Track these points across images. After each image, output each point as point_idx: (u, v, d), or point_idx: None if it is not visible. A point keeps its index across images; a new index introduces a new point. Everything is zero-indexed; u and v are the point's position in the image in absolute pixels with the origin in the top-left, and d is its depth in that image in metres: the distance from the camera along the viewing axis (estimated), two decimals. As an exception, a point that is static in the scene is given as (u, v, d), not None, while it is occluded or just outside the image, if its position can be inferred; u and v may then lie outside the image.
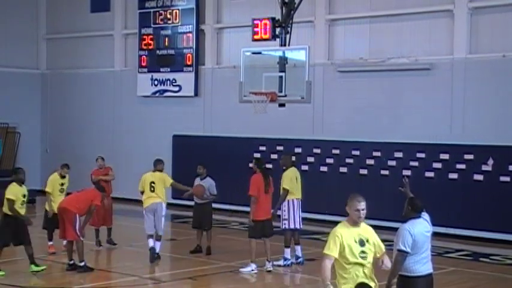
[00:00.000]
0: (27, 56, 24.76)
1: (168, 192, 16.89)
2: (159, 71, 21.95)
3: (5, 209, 12.27)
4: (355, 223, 7.06)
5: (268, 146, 19.71)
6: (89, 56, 24.05)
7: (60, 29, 24.73)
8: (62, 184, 14.03)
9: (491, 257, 14.70)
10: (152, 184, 13.68)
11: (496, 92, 16.66)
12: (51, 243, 13.96)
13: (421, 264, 7.77)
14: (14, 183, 12.51)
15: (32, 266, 12.36)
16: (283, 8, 15.36)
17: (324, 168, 18.81)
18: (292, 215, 13.30)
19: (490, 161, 16.36)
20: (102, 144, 22.85)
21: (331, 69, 18.96)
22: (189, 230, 15.43)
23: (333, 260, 6.80)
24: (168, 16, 21.75)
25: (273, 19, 15.19)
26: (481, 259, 14.53)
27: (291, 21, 15.33)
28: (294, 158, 15.07)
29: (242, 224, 17.77)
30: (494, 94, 16.68)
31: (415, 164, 17.38)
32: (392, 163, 17.72)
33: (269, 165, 18.79)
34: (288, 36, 15.25)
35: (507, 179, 16.14)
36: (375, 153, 18.02)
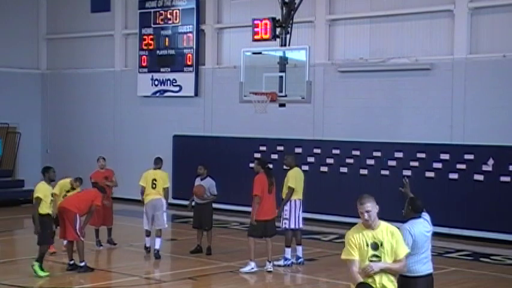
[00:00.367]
0: (28, 56, 24.76)
1: (170, 193, 16.90)
2: (160, 71, 21.95)
3: (44, 209, 12.15)
4: (367, 226, 6.77)
5: (268, 146, 19.71)
6: (89, 56, 24.05)
7: (60, 29, 24.73)
8: (68, 191, 13.98)
9: (491, 257, 14.69)
10: (154, 181, 14.21)
11: (497, 92, 16.66)
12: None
13: (422, 264, 7.77)
14: (43, 182, 12.37)
15: (36, 267, 12.25)
16: (284, 8, 15.36)
17: (324, 168, 18.81)
18: (293, 215, 13.31)
19: (491, 161, 16.36)
20: (102, 144, 22.85)
21: (332, 70, 18.96)
22: (190, 230, 15.43)
23: (357, 263, 6.55)
24: (169, 16, 21.75)
25: (273, 19, 15.19)
26: (482, 259, 14.52)
27: (291, 22, 15.33)
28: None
29: (242, 224, 17.76)
30: (494, 94, 16.68)
31: (416, 164, 17.38)
32: (393, 163, 17.72)
33: (269, 165, 18.85)
34: (288, 36, 15.25)
35: (507, 179, 16.13)
36: (375, 153, 18.02)
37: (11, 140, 23.79)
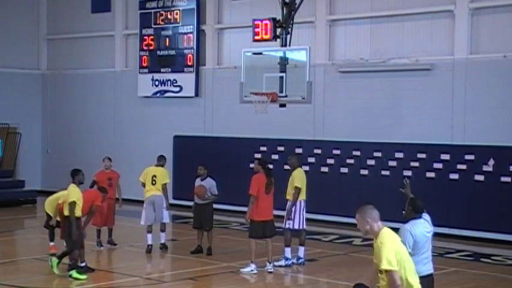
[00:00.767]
0: (28, 56, 24.76)
1: (170, 193, 16.90)
2: (160, 72, 21.95)
3: (68, 212, 12.06)
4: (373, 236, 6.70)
5: (269, 146, 19.71)
6: (89, 57, 24.06)
7: (61, 29, 24.74)
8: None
9: (492, 258, 14.69)
10: (154, 178, 14.57)
11: (497, 92, 16.66)
12: (52, 243, 13.93)
13: (422, 265, 7.77)
14: (74, 185, 12.21)
15: (74, 272, 12.19)
16: (284, 9, 15.36)
17: (324, 169, 18.81)
18: (298, 216, 13.31)
19: (491, 162, 16.36)
20: (103, 144, 22.85)
21: (332, 70, 18.96)
22: (190, 230, 15.43)
23: (398, 271, 6.42)
24: (169, 16, 21.76)
25: (273, 19, 15.19)
26: (482, 259, 14.52)
27: (291, 22, 15.33)
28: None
29: (243, 225, 17.75)
30: (495, 94, 16.68)
31: (416, 164, 17.38)
32: (393, 163, 17.72)
33: (270, 166, 18.83)
34: (288, 36, 15.25)
35: (508, 179, 16.14)
36: (376, 154, 18.02)
37: (11, 141, 23.80)
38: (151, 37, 22.12)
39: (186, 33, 21.47)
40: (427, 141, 17.29)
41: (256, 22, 15.34)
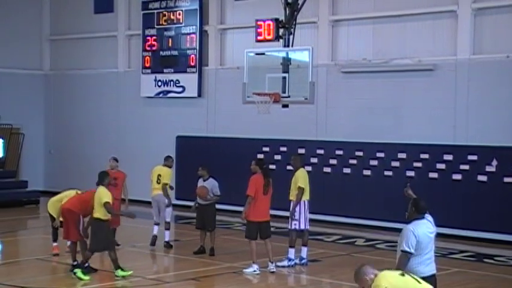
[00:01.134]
0: (31, 57, 24.79)
1: (172, 193, 16.90)
2: (163, 72, 21.96)
3: (99, 214, 12.06)
4: None
5: (271, 146, 19.71)
6: (92, 57, 24.08)
7: (63, 30, 24.76)
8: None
9: (495, 258, 14.67)
10: (159, 176, 15.04)
11: (500, 93, 16.64)
12: (55, 244, 13.96)
13: (425, 265, 7.76)
14: (104, 187, 12.22)
15: (119, 271, 12.22)
16: (287, 9, 15.35)
17: (327, 169, 18.81)
18: (302, 216, 13.32)
19: (494, 162, 16.34)
20: (105, 145, 22.87)
21: (335, 70, 18.96)
22: (193, 230, 15.43)
23: None
24: (172, 17, 21.77)
25: (276, 20, 15.18)
26: (485, 260, 14.51)
27: (294, 22, 15.31)
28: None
29: (245, 225, 17.76)
30: (497, 95, 16.66)
31: (419, 164, 17.37)
32: (396, 164, 17.71)
33: (272, 166, 18.85)
34: (291, 37, 15.22)
35: (511, 179, 16.11)
36: (379, 154, 18.01)
37: (14, 141, 23.82)
38: (154, 37, 22.13)
39: (188, 34, 21.48)
40: (429, 141, 17.28)
41: (258, 22, 15.33)
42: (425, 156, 17.29)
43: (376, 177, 17.96)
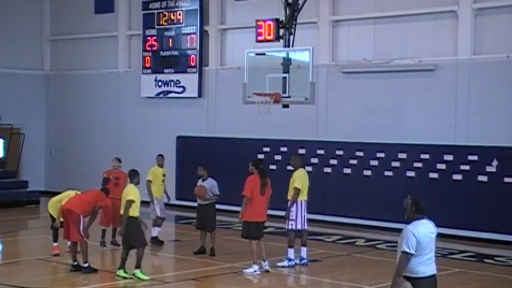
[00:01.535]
0: (32, 57, 24.79)
1: (172, 193, 16.94)
2: (163, 72, 21.96)
3: (133, 212, 12.05)
4: None
5: (272, 147, 19.71)
6: (92, 57, 24.08)
7: (64, 30, 24.77)
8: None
9: (495, 258, 14.67)
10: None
11: (500, 93, 16.64)
12: (55, 244, 13.96)
13: (425, 266, 7.76)
14: (133, 185, 12.27)
15: (138, 271, 12.19)
16: (287, 9, 15.36)
17: (327, 169, 18.81)
18: (300, 216, 13.31)
19: (495, 162, 16.34)
20: (106, 145, 22.88)
21: (335, 70, 18.96)
22: (193, 231, 15.44)
23: None
24: (172, 17, 21.77)
25: (276, 20, 15.18)
26: (486, 260, 14.50)
27: (294, 22, 15.32)
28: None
29: (242, 226, 17.75)
30: (498, 95, 16.66)
31: (419, 165, 17.37)
32: (396, 164, 17.71)
33: (272, 167, 18.87)
34: (291, 37, 15.23)
35: (511, 180, 16.11)
36: (379, 154, 18.01)
37: (15, 141, 23.82)
38: (155, 38, 22.13)
39: (189, 34, 21.48)
40: (430, 141, 17.28)
41: (259, 23, 15.33)
42: (426, 156, 17.29)
43: (377, 178, 17.96)
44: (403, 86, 17.94)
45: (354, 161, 18.39)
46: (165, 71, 21.91)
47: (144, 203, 15.57)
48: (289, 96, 14.70)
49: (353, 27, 18.94)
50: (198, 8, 21.27)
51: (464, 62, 17.05)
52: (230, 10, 21.25)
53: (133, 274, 12.14)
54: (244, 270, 12.82)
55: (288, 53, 14.92)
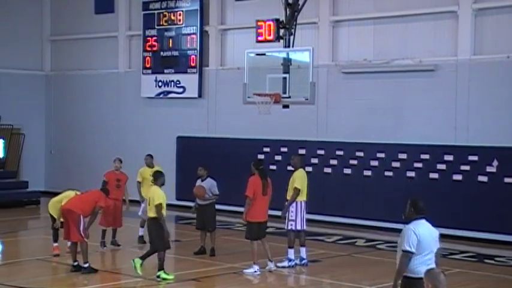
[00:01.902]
0: (32, 57, 24.79)
1: (172, 193, 16.94)
2: (163, 73, 21.96)
3: (154, 214, 12.09)
4: None
5: (272, 147, 19.71)
6: (93, 58, 24.08)
7: (64, 30, 24.77)
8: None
9: (496, 259, 14.67)
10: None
11: (500, 93, 16.64)
12: (56, 244, 13.97)
13: (426, 266, 7.74)
14: (158, 187, 12.27)
15: (162, 272, 12.22)
16: (287, 10, 15.36)
17: (327, 170, 18.80)
18: (299, 217, 13.32)
19: (495, 162, 16.34)
20: (106, 145, 22.88)
21: (335, 71, 18.96)
22: (193, 231, 15.44)
23: None
24: (172, 17, 21.77)
25: (277, 20, 15.19)
26: (486, 261, 14.50)
27: (295, 23, 15.32)
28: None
29: (245, 226, 17.74)
30: (498, 95, 16.66)
31: (419, 165, 17.37)
32: (397, 164, 17.71)
33: (273, 167, 18.86)
34: (292, 37, 15.24)
35: (511, 180, 16.11)
36: (379, 155, 18.01)
37: (15, 141, 23.83)
38: (155, 38, 22.13)
39: (189, 34, 21.49)
40: (430, 142, 17.28)
41: (259, 23, 15.34)
42: (426, 156, 17.29)
43: (377, 178, 17.96)
44: (403, 86, 17.94)
45: (354, 161, 18.39)
46: (165, 71, 21.91)
47: (135, 202, 15.77)
48: (289, 97, 14.70)
49: (353, 27, 18.94)
50: (198, 9, 21.27)
51: (465, 62, 17.05)
52: (230, 10, 21.25)
53: (158, 276, 12.16)
54: (245, 271, 12.82)
55: (288, 53, 14.93)
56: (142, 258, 12.29)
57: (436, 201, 15.58)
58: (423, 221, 7.87)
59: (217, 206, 14.82)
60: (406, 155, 17.58)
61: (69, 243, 13.23)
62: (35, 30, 24.89)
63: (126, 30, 23.30)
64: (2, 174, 23.15)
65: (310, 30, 19.03)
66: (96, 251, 14.32)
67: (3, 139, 23.43)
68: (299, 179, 13.33)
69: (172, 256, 14.56)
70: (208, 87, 21.40)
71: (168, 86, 21.95)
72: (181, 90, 21.73)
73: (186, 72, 21.56)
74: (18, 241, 17.15)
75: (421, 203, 7.92)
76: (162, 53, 22.02)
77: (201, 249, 14.41)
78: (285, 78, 14.68)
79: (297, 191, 13.24)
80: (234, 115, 20.37)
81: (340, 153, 18.63)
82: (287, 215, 13.30)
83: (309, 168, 18.07)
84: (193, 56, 21.41)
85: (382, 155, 17.97)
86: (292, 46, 15.20)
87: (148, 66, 22.34)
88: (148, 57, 22.34)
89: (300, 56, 14.99)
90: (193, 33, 21.40)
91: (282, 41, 15.29)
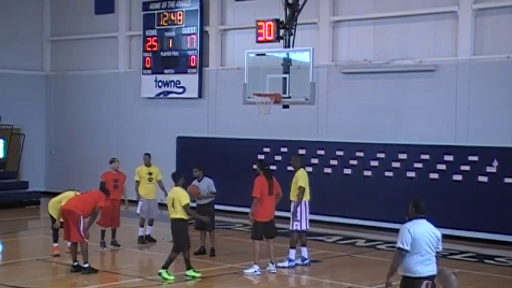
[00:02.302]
0: (32, 57, 24.79)
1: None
2: (163, 73, 21.96)
3: (181, 214, 12.14)
4: None
5: (272, 147, 19.70)
6: (93, 58, 24.08)
7: (64, 30, 24.77)
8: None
9: (496, 259, 14.67)
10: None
11: (501, 93, 16.64)
12: (56, 244, 13.97)
13: (424, 266, 7.77)
14: (180, 188, 12.38)
15: (191, 271, 12.30)
16: (287, 10, 15.36)
17: (328, 170, 18.80)
18: (303, 217, 13.34)
19: (495, 163, 16.34)
20: (106, 145, 22.87)
21: (335, 71, 18.96)
22: (193, 231, 15.39)
23: None
24: (172, 18, 21.77)
25: (277, 21, 15.18)
26: (486, 261, 14.50)
27: (295, 23, 15.32)
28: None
29: (246, 226, 17.77)
30: (498, 95, 16.66)
31: (419, 165, 17.36)
32: (397, 164, 17.70)
33: (273, 167, 18.84)
34: (292, 37, 15.24)
35: (511, 180, 16.11)
36: (379, 155, 18.00)
37: (15, 142, 23.82)
38: (155, 38, 22.13)
39: (189, 35, 21.49)
40: (430, 142, 17.27)
41: (259, 23, 15.33)
42: (426, 156, 17.29)
43: (377, 178, 17.95)
44: (403, 86, 17.94)
45: (354, 162, 18.39)
46: (165, 71, 21.91)
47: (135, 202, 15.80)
48: (289, 97, 14.70)
49: (353, 27, 18.94)
50: (198, 9, 21.27)
51: (465, 62, 17.05)
52: (230, 10, 21.25)
53: (186, 274, 12.26)
54: (245, 271, 12.82)
55: (288, 54, 14.93)
56: (188, 268, 12.34)
57: (436, 202, 15.57)
58: (423, 221, 7.88)
59: (217, 206, 14.82)
60: (406, 155, 17.58)
61: (69, 244, 13.23)
62: (35, 30, 24.89)
63: (126, 31, 23.30)
64: (2, 175, 23.14)
65: (310, 30, 19.03)
66: (96, 251, 14.32)
67: (3, 139, 23.43)
68: (302, 178, 13.36)
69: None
70: (208, 87, 21.40)
71: (168, 86, 21.95)
72: (181, 90, 21.73)
73: (186, 73, 21.56)
74: (18, 241, 17.15)
75: (423, 203, 7.94)
76: (162, 53, 22.02)
77: (200, 249, 14.40)
78: (285, 78, 14.68)
79: (302, 190, 13.26)
80: (234, 115, 20.37)
81: (340, 153, 18.63)
82: (295, 215, 13.29)
83: (309, 169, 18.05)
84: (193, 56, 21.41)
85: (382, 155, 17.97)
86: (292, 46, 15.20)
87: (148, 66, 22.34)
88: (148, 58, 22.34)
89: (300, 56, 14.99)
90: (193, 34, 21.40)
91: (282, 41, 15.29)
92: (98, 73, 23.83)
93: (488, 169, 16.41)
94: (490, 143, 16.50)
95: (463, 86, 17.10)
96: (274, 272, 12.81)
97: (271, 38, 15.14)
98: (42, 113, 25.05)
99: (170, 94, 21.94)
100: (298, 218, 13.28)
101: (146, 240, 15.63)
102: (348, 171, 18.51)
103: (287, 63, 14.80)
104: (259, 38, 15.30)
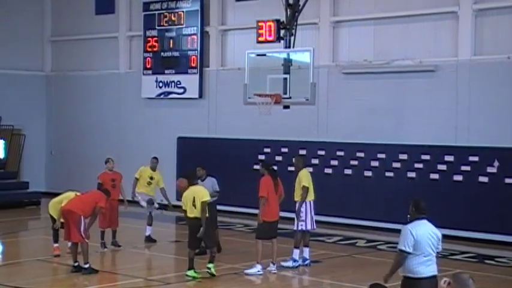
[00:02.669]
0: (32, 58, 24.79)
1: (172, 193, 16.92)
2: (164, 73, 21.96)
3: (204, 214, 12.28)
4: None
5: (272, 147, 19.70)
6: (93, 58, 24.08)
7: (65, 31, 24.77)
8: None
9: (496, 259, 14.67)
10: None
11: (501, 94, 16.63)
12: (56, 245, 13.97)
13: (425, 266, 7.77)
14: (200, 186, 12.63)
15: (192, 271, 12.37)
16: (288, 10, 15.37)
17: (328, 170, 18.80)
18: (309, 216, 13.35)
19: (495, 163, 16.33)
20: (106, 146, 22.84)
21: (336, 71, 18.95)
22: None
23: None
24: (173, 18, 21.77)
25: (277, 21, 15.18)
26: (486, 261, 14.50)
27: (295, 23, 15.32)
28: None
29: (247, 226, 17.77)
30: (499, 96, 16.66)
31: (420, 166, 17.36)
32: (397, 165, 17.70)
33: (274, 167, 18.83)
34: (292, 38, 15.24)
35: (512, 180, 16.12)
36: (380, 155, 18.00)
37: (15, 142, 23.82)
38: (155, 39, 22.13)
39: (189, 35, 21.48)
40: (431, 142, 17.27)
41: (260, 23, 15.34)
42: (427, 157, 17.28)
43: (377, 178, 17.95)
44: (403, 86, 17.94)
45: (355, 162, 18.38)
46: (166, 71, 21.91)
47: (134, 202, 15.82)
48: (289, 97, 14.71)
49: (354, 28, 18.94)
50: (199, 9, 21.27)
51: (465, 62, 17.05)
52: (231, 11, 21.25)
53: (187, 275, 12.36)
54: (247, 271, 12.82)
55: (288, 54, 14.93)
56: (211, 261, 12.44)
57: (436, 202, 15.56)
58: (424, 222, 7.88)
59: (218, 207, 14.79)
60: (406, 155, 17.57)
61: (69, 244, 13.23)
62: (36, 30, 24.89)
63: (126, 31, 23.30)
64: (2, 175, 23.15)
65: (311, 30, 19.03)
66: (96, 252, 14.32)
67: (3, 140, 23.43)
68: (305, 178, 13.39)
69: (173, 256, 14.58)
70: (209, 87, 21.40)
71: (168, 87, 21.95)
72: (181, 90, 21.73)
73: (186, 73, 21.56)
74: (18, 242, 17.15)
75: (423, 203, 7.94)
76: (162, 53, 22.02)
77: (201, 249, 14.38)
78: (285, 78, 14.69)
79: (306, 189, 13.28)
80: (235, 115, 20.37)
81: (341, 153, 18.63)
82: (299, 215, 13.30)
83: (310, 169, 18.01)
84: (194, 57, 21.41)
85: (382, 156, 17.96)
86: (293, 47, 15.20)
87: (148, 66, 22.34)
88: (148, 58, 22.34)
89: (301, 56, 15.00)
90: (194, 34, 21.40)
91: (282, 41, 15.29)
92: (99, 73, 23.82)
93: (489, 169, 16.41)
94: (490, 143, 16.50)
95: (463, 86, 17.09)
96: (274, 273, 12.80)
97: (271, 38, 15.14)
98: (42, 114, 25.05)
99: (171, 94, 21.94)
100: (303, 217, 13.29)
101: (147, 240, 15.57)
102: (348, 171, 18.51)
103: (287, 64, 14.81)
104: (260, 39, 15.31)
